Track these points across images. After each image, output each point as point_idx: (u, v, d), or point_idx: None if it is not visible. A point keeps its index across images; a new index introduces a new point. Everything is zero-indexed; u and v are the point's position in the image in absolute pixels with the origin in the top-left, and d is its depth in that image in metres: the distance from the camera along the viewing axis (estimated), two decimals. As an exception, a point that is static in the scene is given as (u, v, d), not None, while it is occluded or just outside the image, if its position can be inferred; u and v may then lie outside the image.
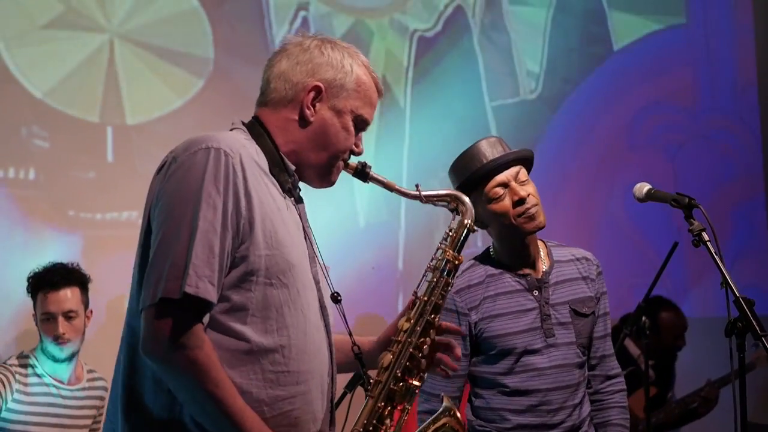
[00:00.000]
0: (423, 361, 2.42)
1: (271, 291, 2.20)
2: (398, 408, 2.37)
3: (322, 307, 2.34)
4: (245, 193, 2.17)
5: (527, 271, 3.22)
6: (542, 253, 3.27)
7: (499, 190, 3.16)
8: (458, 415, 2.51)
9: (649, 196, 3.12)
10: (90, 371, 4.24)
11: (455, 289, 3.16)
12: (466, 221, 2.52)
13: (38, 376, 4.07)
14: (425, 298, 2.45)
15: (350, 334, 2.50)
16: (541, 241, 3.31)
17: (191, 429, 2.14)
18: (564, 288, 3.22)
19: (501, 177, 3.17)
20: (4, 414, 3.99)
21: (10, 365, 4.06)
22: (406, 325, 2.42)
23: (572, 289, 3.25)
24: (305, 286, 2.28)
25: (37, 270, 4.12)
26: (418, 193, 2.47)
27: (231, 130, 2.36)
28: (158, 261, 2.11)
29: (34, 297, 4.11)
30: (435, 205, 2.54)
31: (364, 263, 5.20)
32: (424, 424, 2.52)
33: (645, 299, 4.54)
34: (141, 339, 2.10)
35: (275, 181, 2.30)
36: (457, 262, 2.50)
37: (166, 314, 2.08)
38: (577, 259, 3.30)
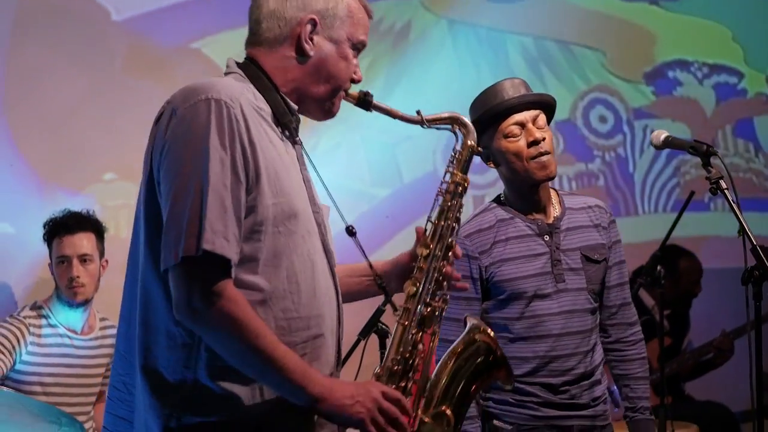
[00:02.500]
0: (445, 283, 2.43)
1: (279, 239, 2.19)
2: (428, 332, 2.38)
3: (326, 251, 2.33)
4: (249, 142, 2.15)
5: (538, 216, 3.22)
6: (554, 200, 3.27)
7: (516, 129, 3.15)
8: (488, 330, 2.51)
9: (667, 144, 3.11)
10: (102, 319, 4.25)
11: (465, 233, 3.17)
12: (469, 142, 2.52)
13: (52, 326, 4.08)
14: (441, 223, 2.45)
15: (370, 266, 2.52)
16: (553, 189, 3.31)
17: (207, 383, 2.13)
18: (575, 234, 3.22)
19: (520, 116, 3.15)
20: (19, 366, 4.01)
21: (24, 317, 4.06)
22: (426, 251, 2.43)
23: (583, 236, 3.25)
24: (310, 232, 2.28)
25: (53, 216, 4.13)
26: (420, 117, 2.47)
27: (226, 74, 2.33)
28: (174, 220, 2.09)
29: (50, 243, 4.12)
30: (438, 128, 2.53)
31: (379, 212, 5.21)
32: (455, 343, 2.50)
33: (661, 248, 4.51)
34: (173, 302, 2.09)
35: (273, 126, 2.27)
36: (466, 184, 2.50)
37: (191, 273, 2.07)
38: (589, 207, 3.31)
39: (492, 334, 2.51)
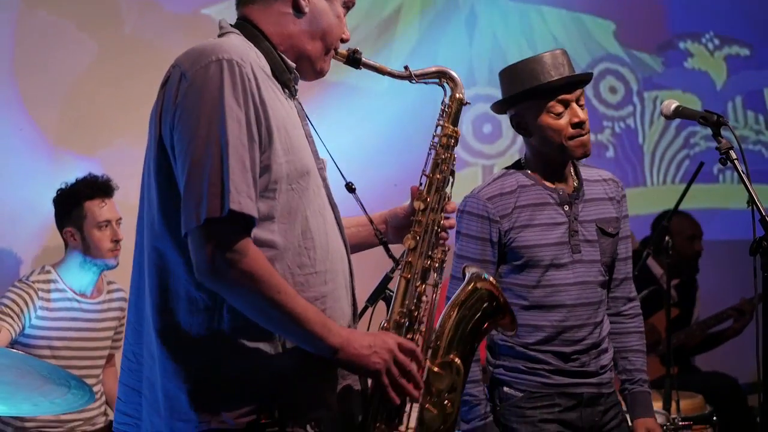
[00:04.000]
0: (444, 234, 2.48)
1: (292, 196, 2.20)
2: (430, 284, 2.42)
3: (332, 205, 2.36)
4: (261, 101, 2.15)
5: (559, 185, 3.22)
6: (571, 170, 3.27)
7: (560, 108, 3.14)
8: (490, 278, 2.53)
9: (677, 114, 3.10)
10: (110, 283, 4.26)
11: (487, 196, 3.18)
12: (457, 95, 2.56)
13: (60, 290, 4.10)
14: (437, 176, 2.49)
15: (371, 221, 2.58)
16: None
17: (230, 344, 2.14)
18: (592, 206, 3.23)
19: (568, 96, 3.15)
20: (28, 330, 4.02)
21: (33, 281, 4.07)
22: (423, 205, 2.46)
23: (599, 208, 3.27)
24: (319, 187, 2.30)
25: (82, 179, 4.13)
26: (408, 72, 2.51)
27: (221, 35, 2.31)
28: (194, 183, 2.09)
29: (77, 206, 4.10)
30: (426, 83, 2.57)
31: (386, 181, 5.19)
32: (456, 293, 2.52)
33: (668, 219, 4.51)
34: (194, 265, 2.09)
35: (277, 84, 2.27)
36: (456, 136, 2.55)
37: (213, 235, 2.08)
38: (605, 180, 3.33)
39: (494, 281, 2.53)
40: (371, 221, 2.57)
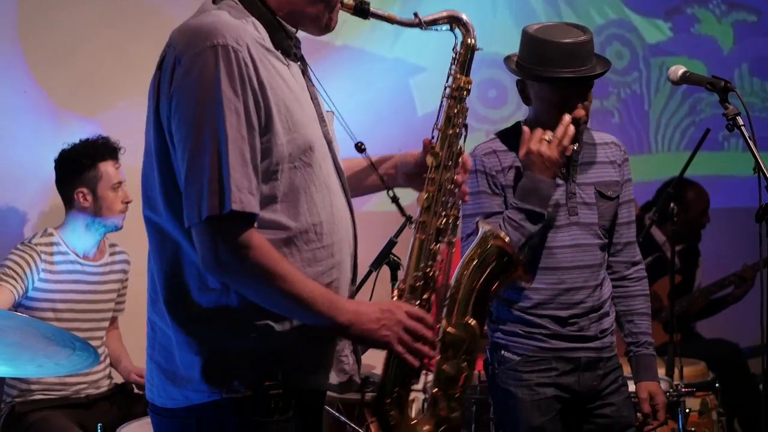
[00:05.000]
0: (457, 191, 2.43)
1: (295, 174, 2.18)
2: (444, 242, 2.40)
3: (338, 170, 2.32)
4: (259, 84, 2.12)
5: None
6: None
7: (568, 97, 3.13)
8: (501, 234, 2.53)
9: (684, 79, 3.08)
10: (112, 245, 4.26)
11: (483, 152, 3.19)
12: (469, 41, 2.47)
13: (63, 253, 4.10)
14: (449, 131, 2.43)
15: (382, 180, 2.52)
16: None
17: (240, 317, 2.15)
18: (591, 169, 3.24)
19: (578, 93, 3.14)
20: (32, 293, 4.03)
21: (35, 244, 4.07)
22: (435, 161, 2.41)
23: (599, 172, 3.27)
24: (324, 158, 2.26)
25: (90, 140, 4.11)
26: (417, 20, 2.42)
27: (217, 6, 2.22)
28: (194, 178, 2.07)
29: (91, 168, 4.09)
30: (436, 30, 2.47)
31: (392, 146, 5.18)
32: (468, 251, 2.52)
33: (674, 186, 4.50)
34: (200, 258, 2.10)
35: (277, 54, 2.22)
36: (469, 86, 2.46)
37: (216, 229, 2.07)
38: (606, 144, 3.32)
39: (505, 237, 2.52)
40: (382, 179, 2.52)
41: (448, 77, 2.47)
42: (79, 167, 4.09)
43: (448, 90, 2.45)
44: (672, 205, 4.43)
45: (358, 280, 2.44)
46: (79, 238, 4.12)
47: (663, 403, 3.31)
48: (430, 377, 2.40)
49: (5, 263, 3.99)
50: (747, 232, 3.21)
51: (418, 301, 2.34)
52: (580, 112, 3.13)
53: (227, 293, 2.15)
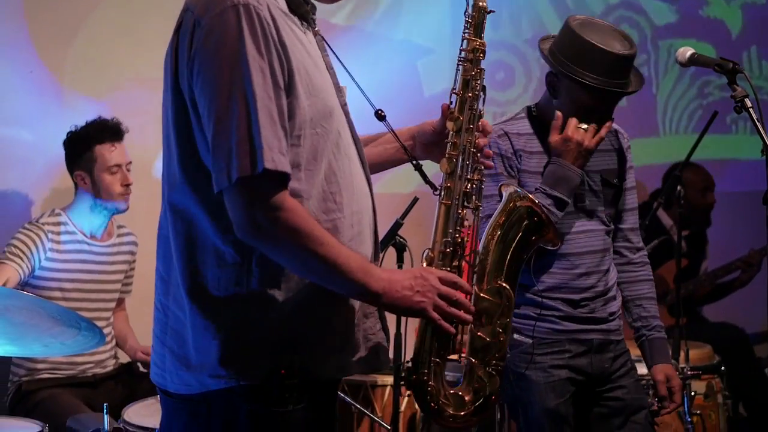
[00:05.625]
0: (479, 155, 2.40)
1: (317, 140, 2.14)
2: (471, 207, 2.37)
3: (355, 140, 2.29)
4: (281, 44, 2.08)
5: None
6: None
7: (599, 105, 3.12)
8: (528, 194, 2.51)
9: (692, 61, 3.08)
10: (120, 227, 4.27)
11: (496, 134, 3.17)
12: (481, 3, 2.46)
13: (70, 232, 4.10)
14: (469, 94, 2.41)
15: (405, 149, 2.49)
16: None
17: (259, 300, 2.11)
18: (597, 157, 3.24)
19: (610, 104, 3.13)
20: (39, 272, 4.04)
21: (42, 223, 4.07)
22: (455, 126, 2.39)
23: (605, 160, 3.29)
24: (343, 127, 2.23)
25: (92, 122, 4.11)
26: None
27: None
28: (222, 141, 2.02)
29: (87, 151, 4.09)
30: None
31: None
32: (495, 214, 2.51)
33: (681, 169, 4.48)
34: (234, 223, 2.05)
35: (294, 18, 2.19)
36: (483, 48, 2.44)
37: (250, 191, 2.03)
38: (610, 132, 3.30)
39: (532, 197, 2.51)
40: (404, 148, 2.48)
41: (462, 41, 2.44)
42: (77, 150, 4.10)
43: (463, 54, 2.44)
44: (679, 188, 4.42)
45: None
46: (85, 218, 4.13)
47: (679, 385, 3.33)
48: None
49: (12, 242, 4.00)
50: (754, 217, 3.20)
51: (448, 268, 2.30)
52: (609, 125, 3.13)
53: (247, 268, 2.10)
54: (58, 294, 4.02)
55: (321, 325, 2.16)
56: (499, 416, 3.96)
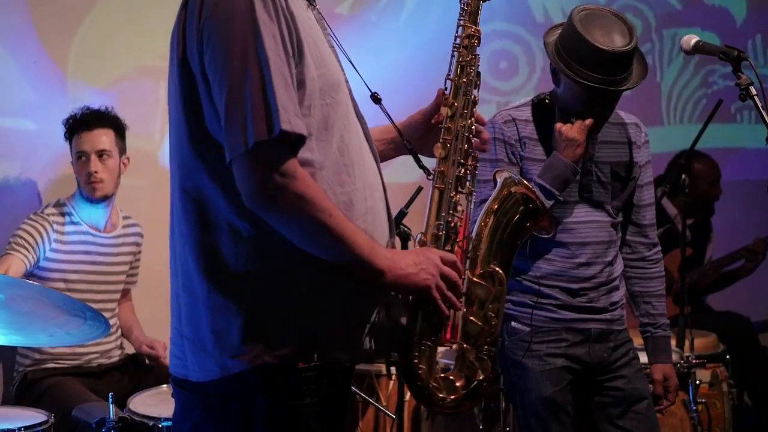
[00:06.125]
0: (474, 140, 2.40)
1: (327, 111, 2.13)
2: (464, 192, 2.36)
3: (359, 117, 2.28)
4: (290, 12, 2.08)
5: None
6: None
7: (594, 99, 3.12)
8: (523, 181, 2.50)
9: (697, 49, 3.07)
10: (125, 218, 4.27)
11: (502, 120, 3.18)
12: None
13: (75, 223, 4.11)
14: (464, 80, 2.41)
15: (400, 133, 2.48)
16: None
17: (276, 274, 2.09)
18: (609, 148, 3.23)
19: (605, 99, 3.14)
20: (43, 263, 4.04)
21: (48, 214, 4.08)
22: (450, 111, 2.39)
23: (617, 151, 3.28)
24: (348, 103, 2.22)
25: (72, 113, 4.13)
26: None
27: None
28: (236, 107, 2.00)
29: (70, 141, 4.13)
30: None
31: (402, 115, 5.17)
32: (490, 200, 2.50)
33: (685, 158, 4.48)
34: (243, 192, 2.02)
35: None
36: (479, 35, 2.45)
37: (261, 159, 2.00)
38: (627, 124, 3.33)
39: (528, 183, 2.50)
40: (399, 132, 2.47)
41: (458, 28, 2.45)
42: (69, 142, 4.14)
43: (458, 40, 2.44)
44: (684, 176, 4.42)
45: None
46: (84, 209, 4.13)
47: (675, 385, 3.35)
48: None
49: (17, 233, 4.01)
50: (759, 205, 3.20)
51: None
52: (589, 121, 3.12)
53: (262, 243, 2.08)
54: (62, 285, 4.02)
55: (343, 306, 2.14)
56: (503, 405, 3.97)
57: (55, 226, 4.05)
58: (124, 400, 3.70)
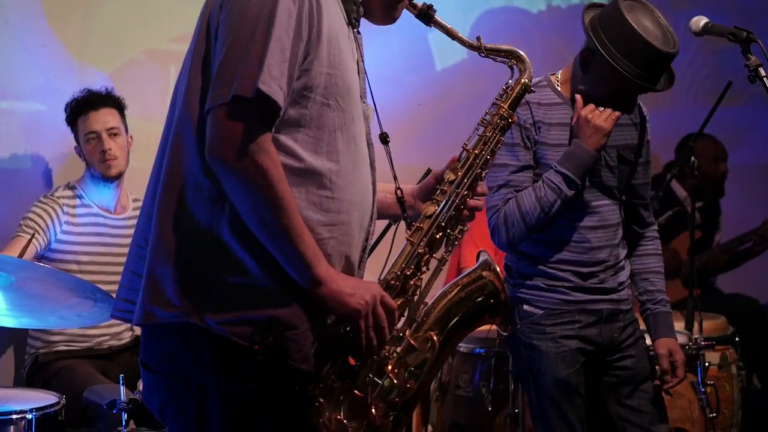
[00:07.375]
0: (466, 213, 2.39)
1: (327, 111, 2.13)
2: (436, 257, 2.34)
3: (369, 144, 2.28)
4: (318, 5, 2.10)
5: None
6: None
7: (627, 93, 3.13)
8: (497, 269, 2.49)
9: (706, 30, 3.06)
10: (135, 200, 4.28)
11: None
12: (524, 80, 2.49)
13: (85, 206, 4.12)
14: (476, 152, 2.41)
15: (395, 178, 2.45)
16: None
17: (227, 241, 2.07)
18: (617, 131, 3.22)
19: (635, 94, 3.16)
20: (55, 245, 4.06)
21: (58, 197, 4.10)
22: (453, 177, 2.39)
23: (622, 134, 3.28)
24: (359, 117, 2.23)
25: (73, 97, 4.14)
26: (479, 44, 2.43)
27: None
28: (231, 60, 2.03)
29: (74, 124, 4.14)
30: (494, 59, 2.49)
31: (410, 100, 5.18)
32: (462, 275, 2.50)
33: (694, 140, 4.46)
34: (208, 141, 2.03)
35: (342, 8, 2.22)
36: (510, 120, 2.45)
37: (238, 115, 2.01)
38: None
39: (501, 274, 2.50)
40: (395, 176, 2.44)
41: (492, 105, 2.47)
42: (71, 126, 4.16)
43: (488, 117, 2.45)
44: (693, 159, 4.41)
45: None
46: (94, 191, 4.15)
47: (682, 359, 3.32)
48: None
49: (28, 215, 4.03)
50: (768, 188, 3.19)
51: None
52: (618, 114, 3.12)
53: (220, 206, 2.07)
54: (74, 267, 4.04)
55: (292, 295, 2.11)
56: (512, 387, 3.98)
57: (66, 209, 4.07)
58: (134, 381, 3.71)
